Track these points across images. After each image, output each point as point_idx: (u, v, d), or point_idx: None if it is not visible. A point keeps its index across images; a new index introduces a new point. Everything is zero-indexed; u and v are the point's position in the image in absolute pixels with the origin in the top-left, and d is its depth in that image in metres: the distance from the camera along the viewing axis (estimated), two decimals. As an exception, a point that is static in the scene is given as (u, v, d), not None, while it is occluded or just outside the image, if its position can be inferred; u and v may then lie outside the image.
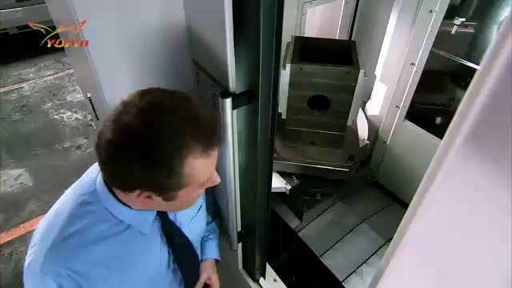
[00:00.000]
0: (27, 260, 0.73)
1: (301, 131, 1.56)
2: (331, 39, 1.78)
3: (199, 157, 0.63)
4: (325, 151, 1.58)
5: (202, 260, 1.11)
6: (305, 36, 1.71)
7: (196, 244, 1.02)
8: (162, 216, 0.84)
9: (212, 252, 1.14)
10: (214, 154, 0.69)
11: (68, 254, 0.70)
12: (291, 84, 1.36)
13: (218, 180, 0.77)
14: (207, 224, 1.12)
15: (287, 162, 1.55)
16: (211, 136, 0.65)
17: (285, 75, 1.33)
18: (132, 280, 0.81)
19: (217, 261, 1.16)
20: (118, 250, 0.76)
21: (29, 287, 0.73)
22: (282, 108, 1.44)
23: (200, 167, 0.65)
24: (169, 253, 0.88)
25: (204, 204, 1.02)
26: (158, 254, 0.85)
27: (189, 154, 0.62)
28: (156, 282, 0.89)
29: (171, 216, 0.87)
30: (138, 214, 0.76)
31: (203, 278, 1.08)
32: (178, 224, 0.89)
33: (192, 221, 0.95)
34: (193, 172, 0.65)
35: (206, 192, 1.09)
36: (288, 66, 1.31)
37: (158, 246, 0.84)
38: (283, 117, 1.47)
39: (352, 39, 1.94)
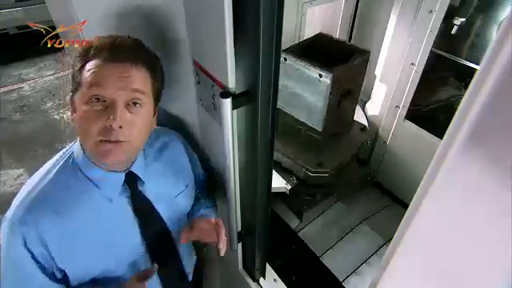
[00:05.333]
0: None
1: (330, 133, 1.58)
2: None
3: (97, 62, 0.72)
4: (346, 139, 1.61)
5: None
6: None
7: (175, 230, 0.96)
8: (132, 186, 0.85)
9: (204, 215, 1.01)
10: (115, 69, 0.71)
11: (34, 203, 0.76)
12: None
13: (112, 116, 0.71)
14: (199, 205, 1.07)
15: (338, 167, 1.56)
16: (116, 50, 0.73)
17: (326, 86, 1.34)
18: (101, 248, 0.82)
19: None
20: (83, 210, 0.79)
21: (1, 237, 0.78)
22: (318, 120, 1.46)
23: (91, 68, 0.72)
24: (139, 228, 0.87)
25: (189, 190, 1.00)
26: (127, 227, 0.86)
27: (93, 58, 0.73)
28: (125, 258, 0.88)
29: (145, 189, 0.87)
30: (106, 173, 0.80)
31: (197, 223, 0.91)
32: (151, 198, 0.88)
33: (173, 200, 0.94)
34: (85, 72, 0.72)
35: (200, 181, 1.10)
36: (329, 75, 1.31)
37: (127, 219, 0.85)
38: (320, 128, 1.48)
39: (352, 39, 1.94)
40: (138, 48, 0.77)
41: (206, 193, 1.14)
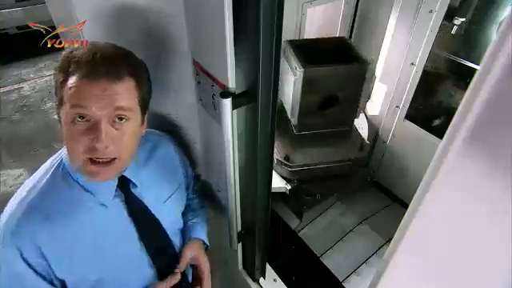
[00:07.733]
0: None
1: (312, 133, 1.57)
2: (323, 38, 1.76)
3: (76, 79, 0.68)
4: (334, 148, 1.62)
5: (187, 242, 1.04)
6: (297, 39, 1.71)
7: (171, 231, 0.98)
8: (125, 190, 0.84)
9: (198, 232, 1.06)
10: (96, 87, 0.67)
11: (25, 215, 0.74)
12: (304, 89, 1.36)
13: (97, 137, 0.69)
14: (191, 210, 1.10)
15: (305, 168, 1.55)
16: (95, 66, 0.68)
17: (296, 81, 1.32)
18: (99, 254, 0.82)
19: (206, 247, 1.08)
20: (79, 218, 0.78)
21: None
22: (293, 114, 1.44)
23: (72, 86, 0.68)
24: (136, 232, 0.87)
25: (181, 190, 1.01)
26: (124, 231, 0.85)
27: (73, 74, 0.68)
28: (125, 262, 0.88)
29: (138, 192, 0.87)
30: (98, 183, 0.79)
31: (186, 255, 0.99)
32: (145, 200, 0.88)
33: (167, 201, 0.95)
34: (67, 89, 0.69)
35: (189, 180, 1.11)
36: (301, 71, 1.29)
37: (124, 223, 0.85)
38: (293, 123, 1.46)
39: (352, 39, 1.94)
40: (120, 59, 0.72)
41: (196, 194, 1.15)
